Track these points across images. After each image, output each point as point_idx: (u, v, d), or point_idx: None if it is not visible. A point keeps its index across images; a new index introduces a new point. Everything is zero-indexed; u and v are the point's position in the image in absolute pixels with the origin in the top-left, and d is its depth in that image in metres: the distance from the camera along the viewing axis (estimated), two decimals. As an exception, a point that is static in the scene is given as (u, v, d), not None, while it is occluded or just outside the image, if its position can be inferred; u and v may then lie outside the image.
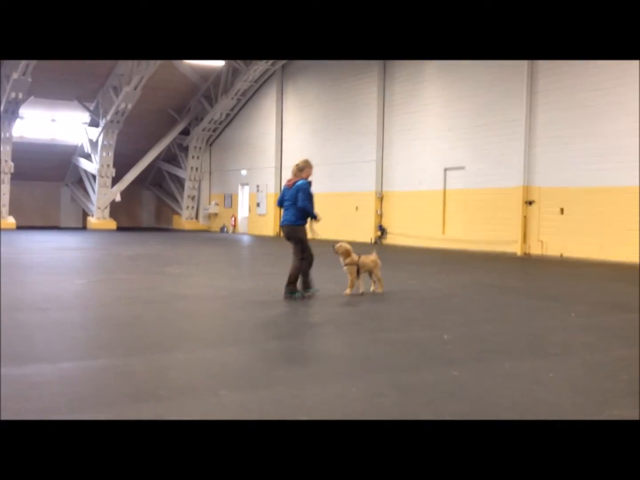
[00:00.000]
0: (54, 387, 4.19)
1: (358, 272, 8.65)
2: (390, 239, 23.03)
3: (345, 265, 8.65)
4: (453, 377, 4.62)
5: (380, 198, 23.33)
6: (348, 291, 8.64)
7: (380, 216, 23.33)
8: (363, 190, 23.81)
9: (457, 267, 14.38)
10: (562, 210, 17.53)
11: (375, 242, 23.16)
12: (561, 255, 17.46)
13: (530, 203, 18.32)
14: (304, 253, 8.35)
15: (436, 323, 7.04)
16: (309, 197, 8.38)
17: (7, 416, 3.49)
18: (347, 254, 8.62)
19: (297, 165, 8.56)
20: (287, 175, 27.24)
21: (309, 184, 8.45)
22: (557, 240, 17.65)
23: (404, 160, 22.46)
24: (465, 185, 20.26)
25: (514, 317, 7.56)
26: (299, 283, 8.41)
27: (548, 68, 17.72)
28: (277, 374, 4.67)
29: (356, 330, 6.57)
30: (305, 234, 8.45)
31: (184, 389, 4.24)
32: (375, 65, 23.14)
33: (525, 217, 18.40)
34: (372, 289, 8.95)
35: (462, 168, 20.35)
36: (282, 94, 28.11)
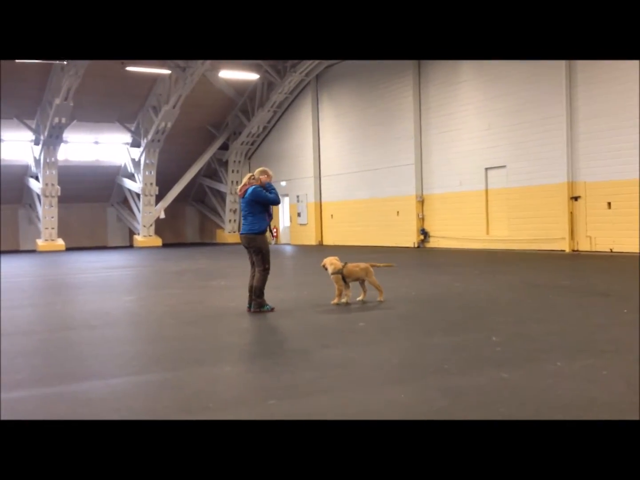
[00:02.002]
0: (106, 403, 4.27)
1: (345, 281, 8.53)
2: (433, 242, 22.83)
3: (331, 274, 8.59)
4: (503, 379, 4.54)
5: (421, 201, 23.16)
6: (335, 300, 8.54)
7: (422, 220, 23.16)
8: (403, 195, 23.69)
9: (503, 267, 14.15)
10: (609, 205, 17.11)
11: (419, 246, 23.00)
12: (611, 250, 17.02)
13: (576, 199, 17.93)
14: (265, 263, 8.14)
15: (483, 325, 6.93)
16: (267, 195, 8.11)
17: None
18: (329, 263, 8.60)
19: (252, 175, 8.27)
20: (327, 184, 27.60)
21: (261, 187, 8.15)
22: (606, 235, 17.22)
23: (443, 162, 22.27)
24: (507, 184, 19.97)
25: (564, 315, 7.39)
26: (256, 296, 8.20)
27: (587, 61, 17.35)
28: (325, 382, 4.66)
29: (403, 335, 6.52)
30: (265, 242, 8.23)
31: (232, 400, 4.27)
32: (409, 68, 23.04)
33: (571, 213, 18.02)
34: (359, 298, 8.73)
35: (503, 167, 20.07)
36: (317, 104, 28.23)
